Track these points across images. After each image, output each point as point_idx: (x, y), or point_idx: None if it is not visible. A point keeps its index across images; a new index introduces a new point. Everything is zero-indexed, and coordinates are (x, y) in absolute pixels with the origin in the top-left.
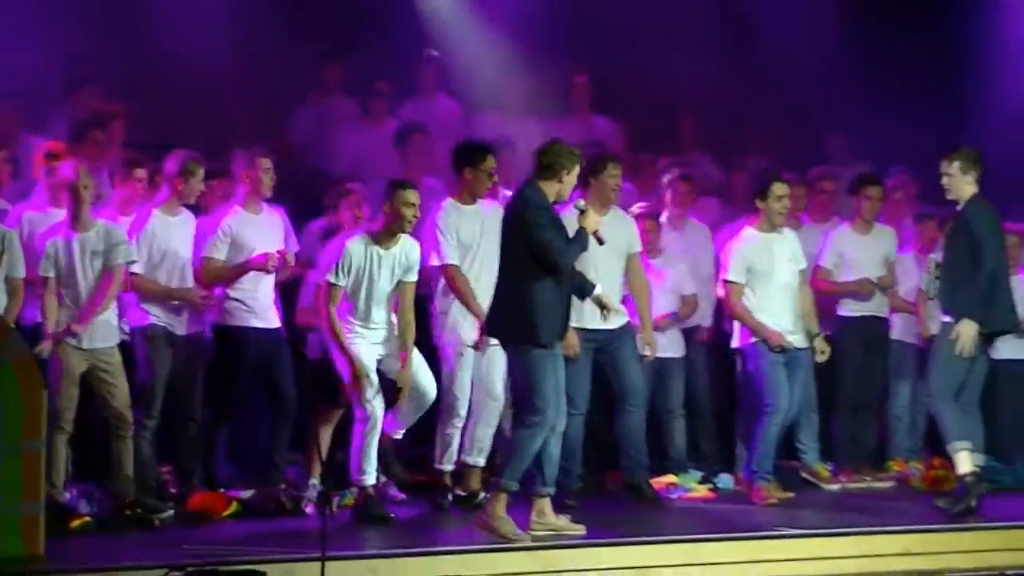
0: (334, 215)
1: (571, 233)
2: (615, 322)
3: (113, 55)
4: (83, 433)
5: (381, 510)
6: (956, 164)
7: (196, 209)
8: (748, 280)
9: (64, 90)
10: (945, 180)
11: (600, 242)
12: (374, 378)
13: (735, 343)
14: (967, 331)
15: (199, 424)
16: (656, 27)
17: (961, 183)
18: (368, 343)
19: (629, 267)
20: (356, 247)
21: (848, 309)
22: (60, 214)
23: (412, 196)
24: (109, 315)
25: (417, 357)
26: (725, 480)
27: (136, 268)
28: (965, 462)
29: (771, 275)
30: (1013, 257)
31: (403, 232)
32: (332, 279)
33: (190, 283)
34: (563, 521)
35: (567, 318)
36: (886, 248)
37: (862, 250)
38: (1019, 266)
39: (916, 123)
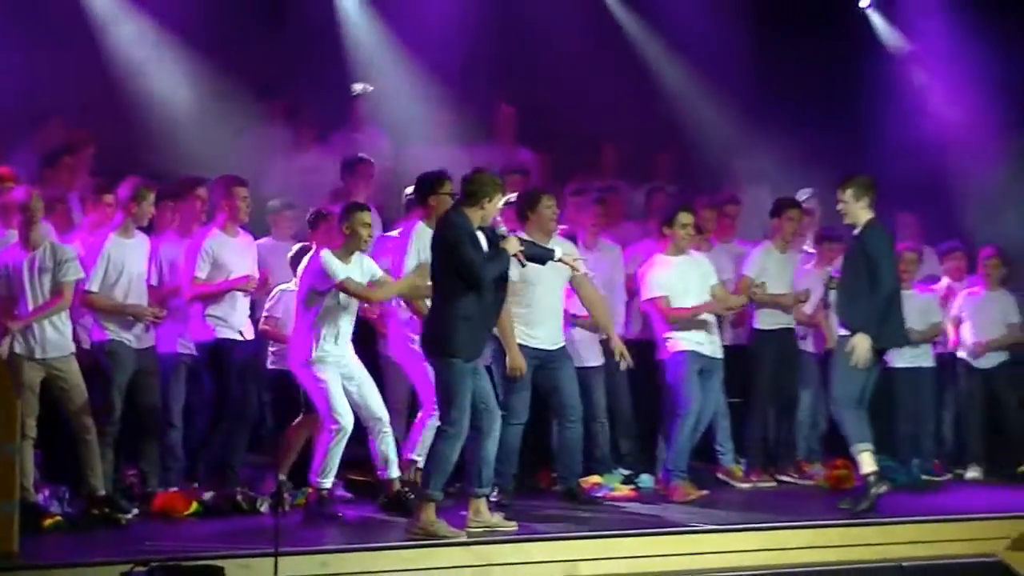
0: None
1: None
2: (555, 343)
3: (68, 88)
4: (56, 438)
5: (332, 510)
6: (850, 191)
7: (148, 230)
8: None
9: (27, 122)
10: (840, 206)
11: (522, 264)
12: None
13: (661, 355)
14: (862, 344)
15: (180, 430)
16: (576, 61)
17: (856, 208)
18: (335, 355)
19: (576, 285)
20: (333, 262)
21: (764, 322)
22: (12, 235)
23: (367, 217)
24: (62, 328)
25: (369, 383)
26: (646, 480)
27: (93, 287)
28: (868, 462)
29: (685, 295)
30: (910, 273)
31: (359, 250)
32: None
33: (144, 301)
34: (497, 518)
35: (486, 334)
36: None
37: (780, 267)
38: (914, 282)
39: (820, 150)
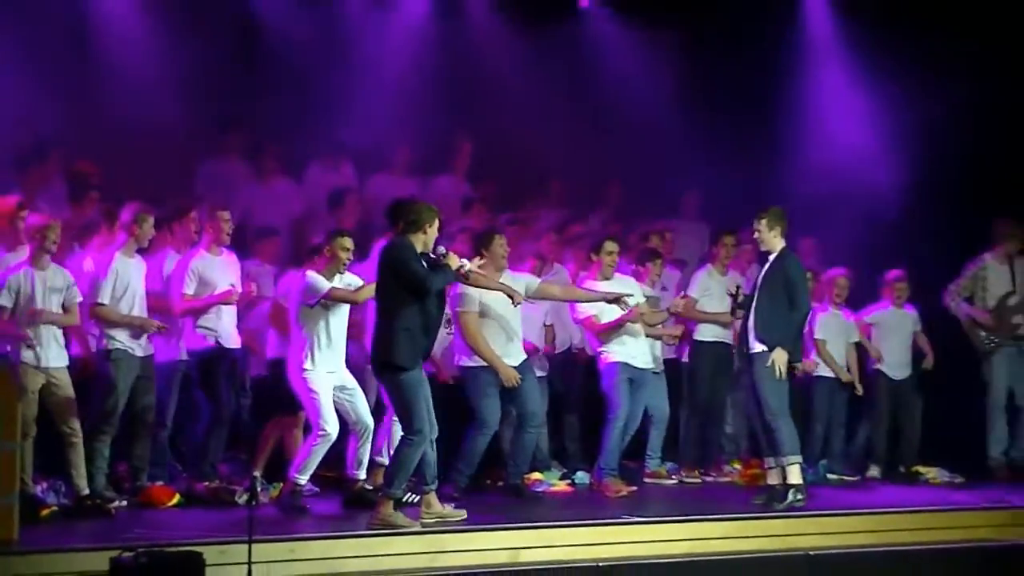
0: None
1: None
2: (519, 357)
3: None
4: (51, 436)
5: (301, 503)
6: (764, 221)
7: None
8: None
9: (29, 154)
10: (756, 234)
11: (466, 278)
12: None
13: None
14: (782, 357)
15: (168, 429)
16: (524, 100)
17: (769, 236)
18: (328, 367)
19: (544, 292)
20: (318, 280)
21: (702, 334)
22: (14, 258)
23: (348, 242)
24: (60, 341)
25: (360, 393)
26: (581, 476)
27: (104, 300)
28: (795, 475)
29: (612, 313)
30: (841, 296)
31: (339, 272)
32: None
33: (145, 313)
34: (448, 509)
35: (428, 345)
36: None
37: (719, 287)
38: (828, 302)
39: (741, 181)
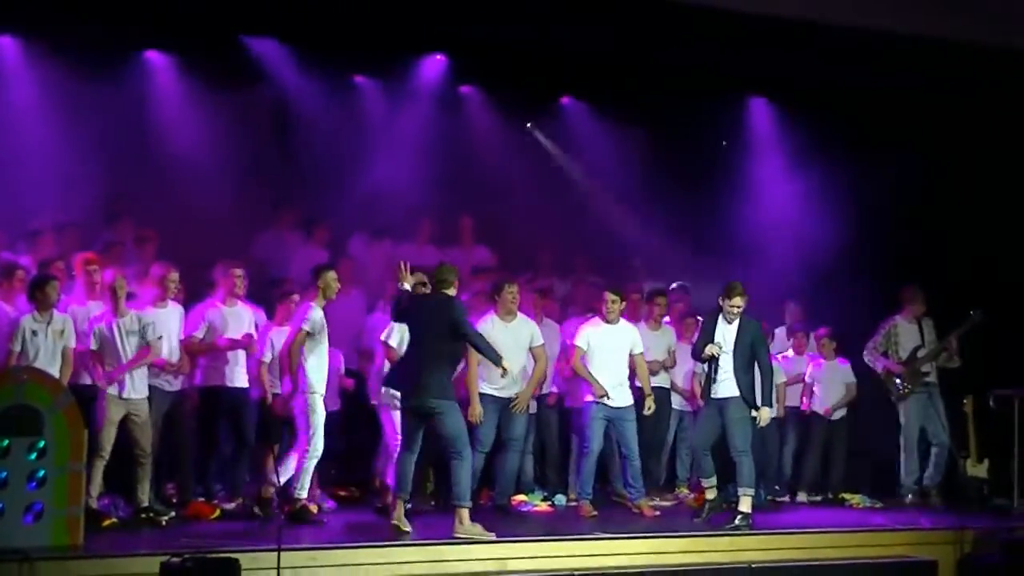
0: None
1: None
2: (512, 389)
3: (138, 196)
4: (115, 459)
5: (311, 516)
6: (745, 298)
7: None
8: (589, 355)
9: (104, 220)
10: (736, 309)
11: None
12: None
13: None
14: (766, 413)
15: (192, 453)
16: (518, 181)
17: (728, 304)
18: (322, 391)
19: (533, 354)
20: (317, 311)
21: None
22: (95, 305)
23: (334, 275)
24: (141, 376)
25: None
26: (560, 499)
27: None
28: (747, 504)
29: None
30: (827, 353)
31: (331, 297)
32: (306, 327)
33: (176, 355)
34: (478, 528)
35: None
36: (669, 341)
37: (652, 340)
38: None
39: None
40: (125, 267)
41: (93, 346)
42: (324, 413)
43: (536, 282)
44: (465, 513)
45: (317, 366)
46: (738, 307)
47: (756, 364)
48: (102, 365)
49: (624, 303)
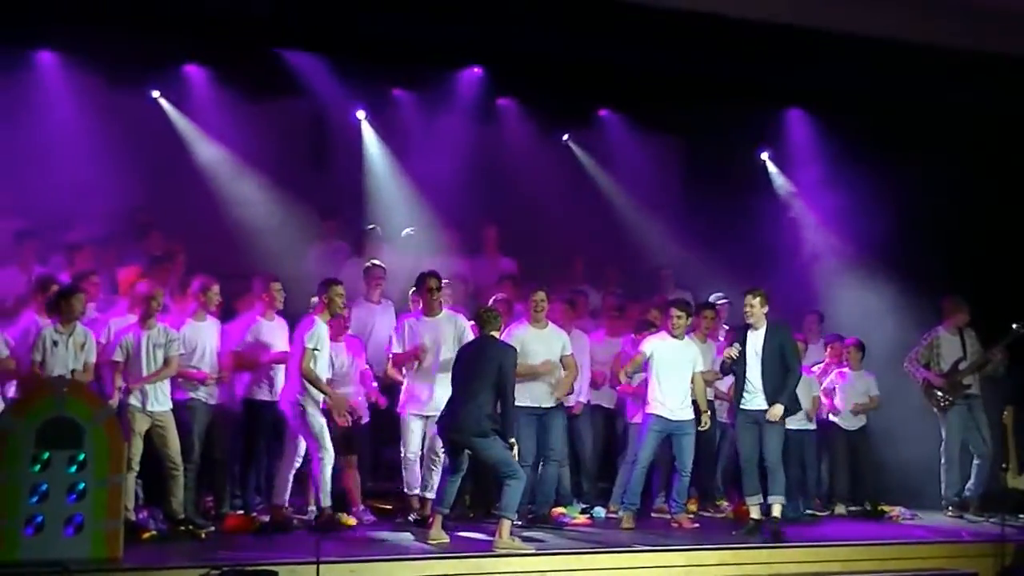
0: None
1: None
2: (551, 402)
3: (166, 209)
4: (153, 472)
5: (340, 523)
6: (758, 299)
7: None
8: (652, 366)
9: (135, 234)
10: (748, 309)
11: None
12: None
13: (637, 418)
14: (779, 411)
15: (227, 466)
16: (554, 192)
17: (760, 312)
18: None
19: (563, 363)
20: (320, 325)
21: None
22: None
23: (340, 290)
24: (164, 389)
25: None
26: (599, 511)
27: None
28: (778, 510)
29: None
30: (853, 363)
31: (336, 313)
32: (310, 345)
33: (214, 370)
34: (517, 541)
35: None
36: (713, 353)
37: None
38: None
39: (726, 264)
40: (165, 282)
41: (118, 357)
42: (325, 422)
43: (566, 293)
44: (507, 525)
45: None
46: (749, 306)
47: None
48: (124, 377)
49: (690, 319)
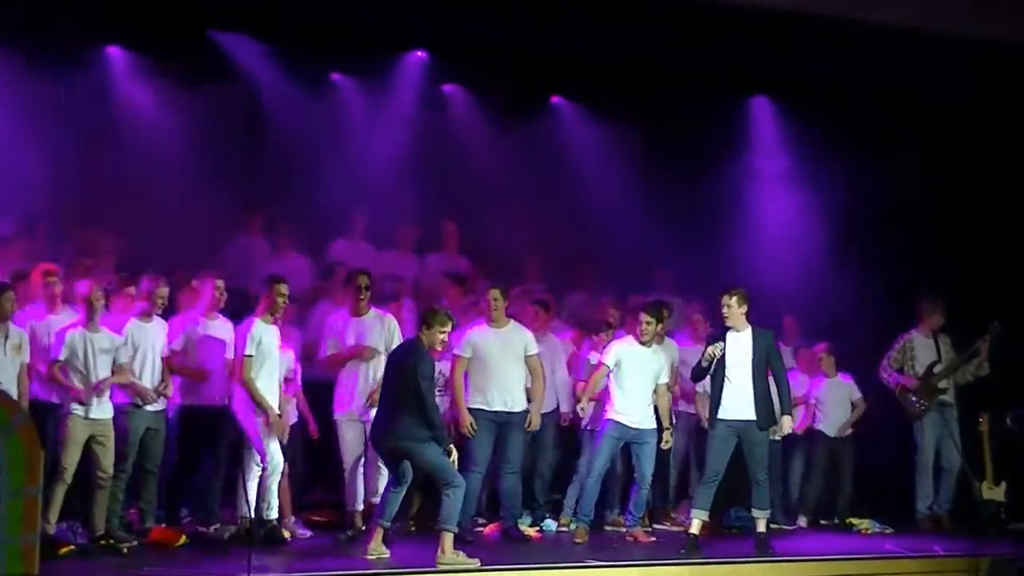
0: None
1: None
2: (508, 407)
3: (91, 198)
4: (77, 483)
5: (281, 535)
6: (736, 299)
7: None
8: (616, 375)
9: (62, 226)
10: (725, 310)
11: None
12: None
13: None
14: (789, 423)
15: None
16: (504, 184)
17: (738, 313)
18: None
19: (528, 365)
20: (260, 327)
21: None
22: (58, 318)
23: (284, 288)
24: (107, 396)
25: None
26: (549, 524)
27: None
28: (763, 524)
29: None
30: (828, 369)
31: (277, 312)
32: (248, 351)
33: (158, 374)
34: (462, 556)
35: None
36: (673, 356)
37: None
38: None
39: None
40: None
41: (63, 356)
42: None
43: (534, 294)
44: (449, 539)
45: (266, 385)
46: (727, 306)
47: (772, 376)
48: (70, 379)
49: (661, 324)
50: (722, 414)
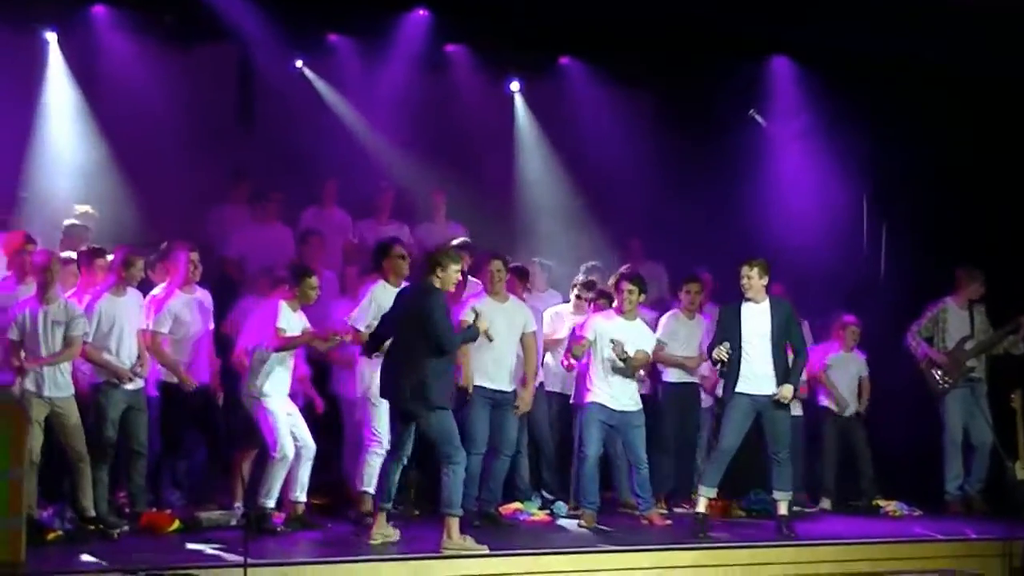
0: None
1: None
2: (508, 386)
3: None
4: (56, 464)
5: (271, 526)
6: (756, 269)
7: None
8: (594, 350)
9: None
10: (745, 280)
11: (490, 339)
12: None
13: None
14: (788, 391)
15: (147, 458)
16: (502, 149)
17: (759, 284)
18: (282, 392)
19: (523, 342)
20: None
21: (670, 377)
22: (25, 291)
23: (315, 281)
24: (64, 372)
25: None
26: (560, 507)
27: (87, 339)
28: (785, 507)
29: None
30: (847, 342)
31: (308, 303)
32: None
33: (135, 350)
34: (469, 541)
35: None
36: (700, 331)
37: (685, 331)
38: (852, 347)
39: (715, 234)
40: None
41: (12, 335)
42: (287, 414)
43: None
44: (455, 524)
45: (281, 367)
46: (747, 277)
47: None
48: (19, 358)
49: (643, 295)
50: (742, 387)
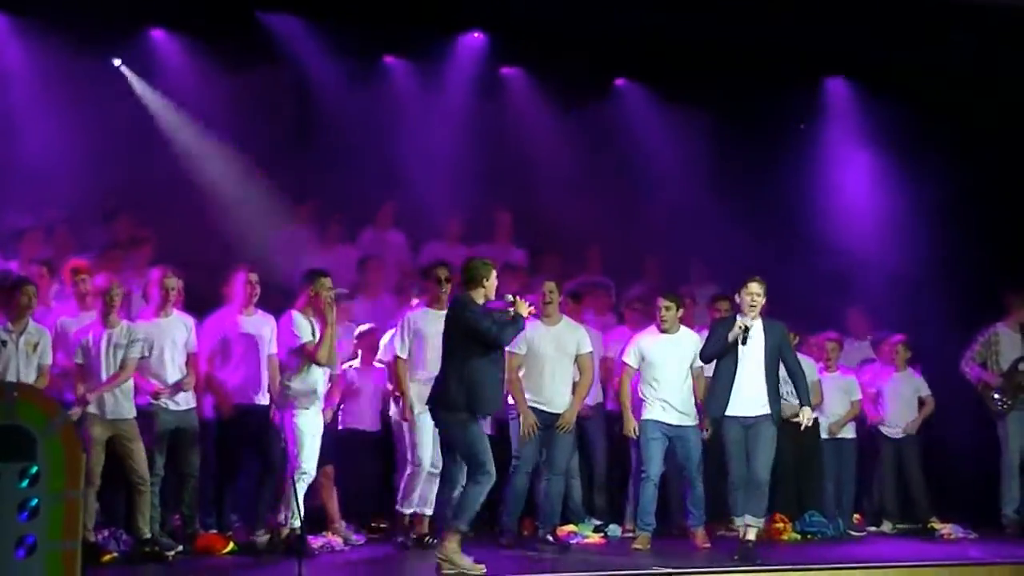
0: None
1: None
2: (559, 405)
3: (139, 190)
4: (112, 487)
5: (308, 547)
6: (765, 287)
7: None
8: (645, 370)
9: (100, 217)
10: (755, 298)
11: (537, 316)
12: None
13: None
14: (809, 413)
15: (197, 480)
16: (565, 175)
17: (763, 302)
18: (317, 408)
19: (578, 363)
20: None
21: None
22: (88, 316)
23: (329, 282)
24: (126, 394)
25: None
26: (614, 529)
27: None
28: (753, 533)
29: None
30: (833, 359)
31: (328, 311)
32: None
33: (180, 371)
34: (468, 561)
35: (502, 391)
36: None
37: None
38: (836, 366)
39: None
40: (121, 272)
41: (77, 360)
42: (314, 431)
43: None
44: (455, 537)
45: (305, 378)
46: (756, 294)
47: (784, 368)
48: (84, 383)
49: (681, 309)
50: (732, 410)
